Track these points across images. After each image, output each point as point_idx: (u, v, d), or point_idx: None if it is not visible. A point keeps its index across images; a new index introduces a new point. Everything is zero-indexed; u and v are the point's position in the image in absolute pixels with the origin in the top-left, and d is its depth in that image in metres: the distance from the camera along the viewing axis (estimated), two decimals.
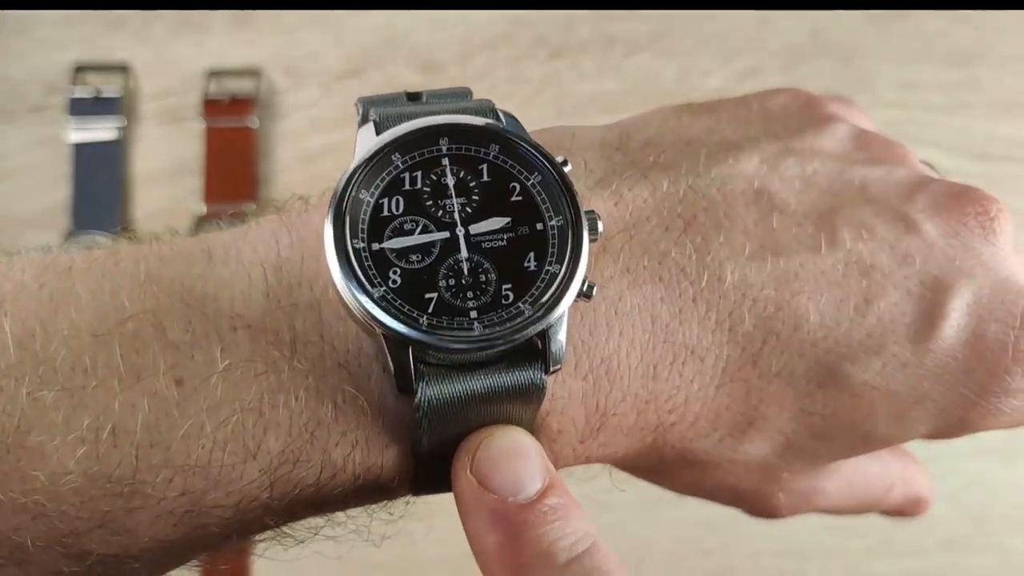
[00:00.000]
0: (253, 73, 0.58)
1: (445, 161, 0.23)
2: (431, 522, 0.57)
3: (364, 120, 0.24)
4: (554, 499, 0.22)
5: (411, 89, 0.25)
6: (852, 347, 0.26)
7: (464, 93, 0.25)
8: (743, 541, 0.54)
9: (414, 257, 0.22)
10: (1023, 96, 0.58)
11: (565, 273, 0.22)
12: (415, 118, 0.23)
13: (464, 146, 0.23)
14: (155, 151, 0.58)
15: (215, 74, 0.58)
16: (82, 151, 0.57)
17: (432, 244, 0.23)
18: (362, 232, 0.22)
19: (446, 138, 0.23)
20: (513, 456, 0.22)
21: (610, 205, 0.25)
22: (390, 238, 0.22)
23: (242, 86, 0.58)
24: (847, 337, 0.26)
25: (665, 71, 0.58)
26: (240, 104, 0.57)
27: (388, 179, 0.23)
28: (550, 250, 0.23)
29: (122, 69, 0.58)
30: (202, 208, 0.57)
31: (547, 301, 0.22)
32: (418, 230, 0.23)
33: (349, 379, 0.23)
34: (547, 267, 0.23)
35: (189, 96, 0.58)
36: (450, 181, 0.23)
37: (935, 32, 0.58)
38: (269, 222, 0.25)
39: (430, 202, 0.23)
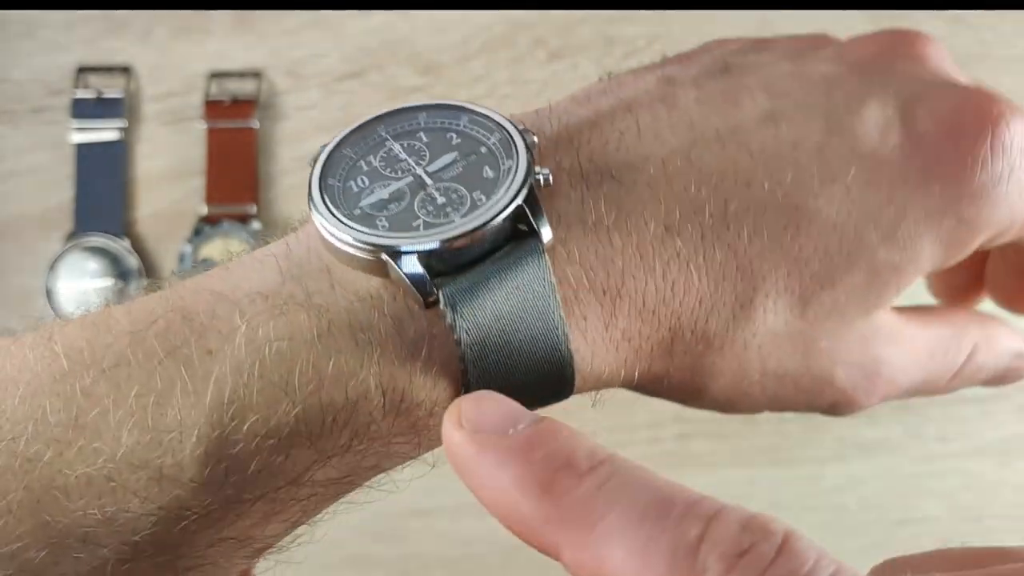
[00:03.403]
0: (254, 75, 0.58)
1: (388, 143, 0.27)
2: (432, 521, 0.57)
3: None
4: (552, 423, 0.22)
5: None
6: (807, 183, 0.27)
7: None
8: None
9: (392, 206, 0.26)
10: (1021, 98, 0.59)
11: (517, 162, 0.26)
12: None
13: (399, 126, 0.27)
14: (157, 152, 0.58)
15: (216, 76, 0.58)
16: (84, 152, 0.57)
17: (401, 190, 0.26)
18: (342, 205, 0.26)
19: (383, 124, 0.28)
20: (494, 397, 0.23)
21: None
22: (366, 199, 0.26)
23: (243, 88, 0.58)
24: (798, 177, 0.27)
25: None
26: (241, 106, 0.58)
27: (347, 168, 0.27)
28: (500, 157, 0.26)
29: (124, 71, 0.58)
30: (203, 209, 0.57)
31: (513, 183, 0.25)
32: (387, 188, 0.26)
33: (360, 309, 0.25)
34: (503, 167, 0.26)
35: (191, 98, 0.58)
36: (399, 152, 0.27)
37: (933, 34, 0.58)
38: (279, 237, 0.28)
39: (388, 170, 0.27)
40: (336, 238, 0.25)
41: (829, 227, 0.27)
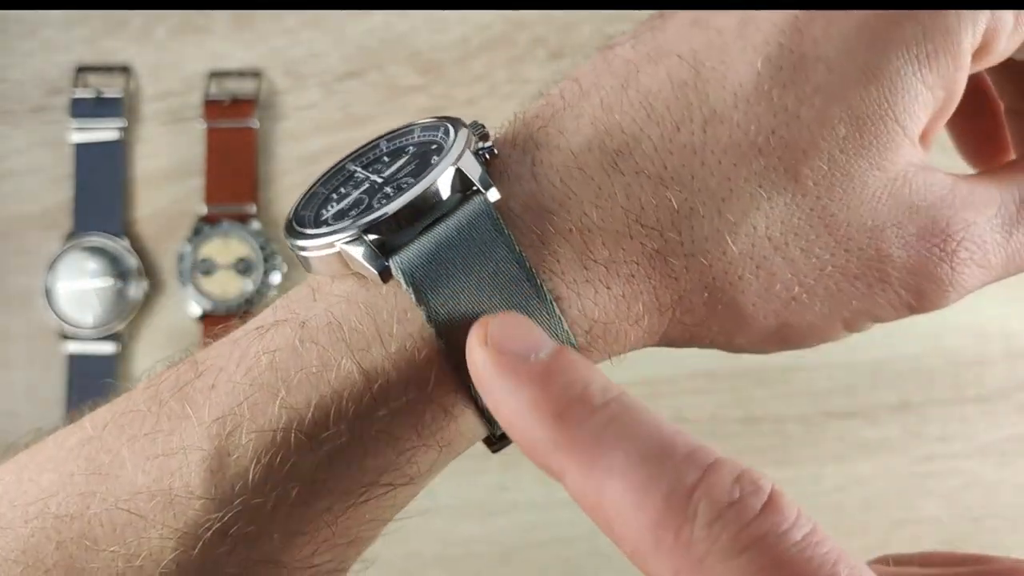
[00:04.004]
0: (254, 74, 0.58)
1: (356, 173, 0.28)
2: (431, 521, 0.57)
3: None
4: (572, 354, 0.23)
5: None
6: (737, 57, 0.26)
7: None
8: None
9: (352, 212, 0.27)
10: None
11: (455, 139, 0.27)
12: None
13: (364, 157, 0.29)
14: (156, 152, 0.58)
15: (216, 75, 0.58)
16: (84, 152, 0.57)
17: (360, 198, 0.27)
18: (310, 225, 0.27)
19: (350, 159, 0.29)
20: (522, 321, 0.24)
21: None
22: (329, 213, 0.27)
23: (243, 87, 0.58)
24: (727, 56, 0.26)
25: None
26: (241, 105, 0.58)
27: (320, 201, 0.28)
28: (445, 144, 0.27)
29: (124, 70, 0.58)
30: (203, 209, 0.57)
31: (450, 154, 0.26)
32: (347, 199, 0.28)
33: (337, 306, 0.26)
34: (444, 144, 0.27)
35: (190, 97, 0.58)
36: (361, 174, 0.28)
37: None
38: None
39: (353, 190, 0.28)
40: (303, 249, 0.26)
41: (779, 87, 0.26)
